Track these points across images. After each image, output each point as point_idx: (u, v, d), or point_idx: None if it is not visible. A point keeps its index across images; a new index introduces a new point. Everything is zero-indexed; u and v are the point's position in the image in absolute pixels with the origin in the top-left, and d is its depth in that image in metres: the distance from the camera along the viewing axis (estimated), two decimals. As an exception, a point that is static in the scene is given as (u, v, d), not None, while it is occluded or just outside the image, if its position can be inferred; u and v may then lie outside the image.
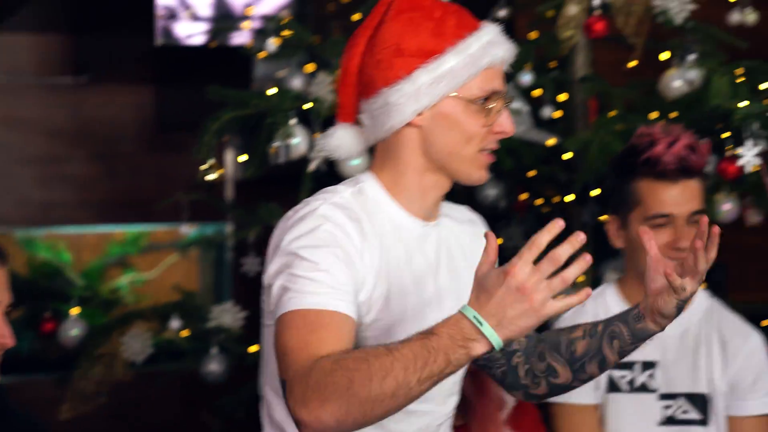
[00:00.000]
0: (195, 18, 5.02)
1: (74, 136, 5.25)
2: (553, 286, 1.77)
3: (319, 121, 3.91)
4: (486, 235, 1.89)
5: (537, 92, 4.33)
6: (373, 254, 2.12)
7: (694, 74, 3.98)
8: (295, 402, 1.88)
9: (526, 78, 4.15)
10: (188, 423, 4.93)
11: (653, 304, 2.13)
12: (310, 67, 4.20)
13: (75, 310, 4.28)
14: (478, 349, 1.80)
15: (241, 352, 4.27)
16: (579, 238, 1.76)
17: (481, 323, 1.79)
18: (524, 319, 1.80)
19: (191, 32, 5.10)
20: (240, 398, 4.40)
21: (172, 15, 4.98)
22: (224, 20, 4.99)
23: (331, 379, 1.85)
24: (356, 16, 4.31)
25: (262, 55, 4.32)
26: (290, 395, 1.89)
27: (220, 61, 4.87)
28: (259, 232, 4.28)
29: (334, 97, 3.86)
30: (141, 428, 5.08)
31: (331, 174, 3.82)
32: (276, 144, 3.86)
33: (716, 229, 2.05)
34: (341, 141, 2.27)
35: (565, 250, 1.75)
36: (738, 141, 3.60)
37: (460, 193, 2.77)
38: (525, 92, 4.23)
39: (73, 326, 4.20)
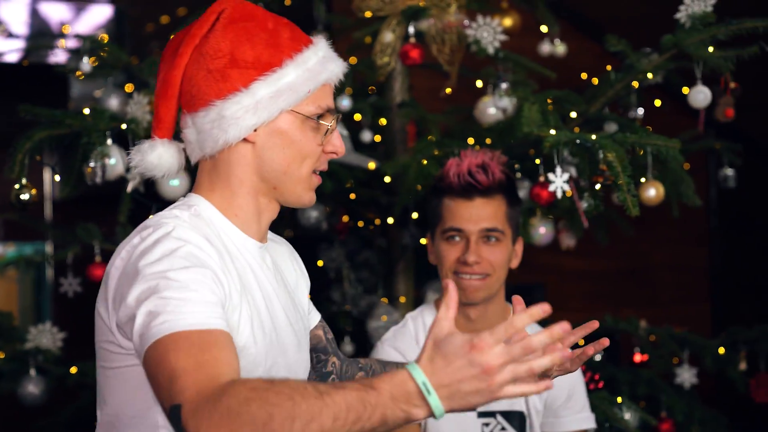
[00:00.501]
0: (9, 35, 4.88)
1: None
2: (517, 373, 1.70)
3: (136, 142, 3.76)
4: (445, 285, 1.80)
5: (357, 117, 4.42)
6: (233, 275, 2.06)
7: (507, 102, 4.10)
8: (198, 425, 1.74)
9: (345, 102, 4.23)
10: None
11: None
12: (128, 88, 4.20)
13: None
14: (419, 415, 1.71)
15: (60, 373, 4.24)
16: (563, 327, 1.70)
17: (429, 392, 1.69)
18: (476, 397, 1.70)
19: (5, 49, 4.96)
20: (60, 420, 4.40)
21: None
22: (40, 38, 4.88)
23: (247, 408, 1.72)
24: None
25: (78, 74, 4.25)
26: (192, 418, 1.75)
27: (36, 79, 4.74)
28: (78, 253, 4.30)
29: (151, 118, 3.81)
30: None
31: (149, 195, 3.92)
32: (92, 164, 3.80)
33: (601, 343, 2.23)
34: (160, 158, 2.18)
35: (541, 339, 1.69)
36: (549, 167, 3.67)
37: (282, 215, 2.79)
38: (345, 117, 4.22)
39: None
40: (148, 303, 1.88)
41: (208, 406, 1.75)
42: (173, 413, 1.79)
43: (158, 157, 2.17)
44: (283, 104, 2.09)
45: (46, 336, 4.32)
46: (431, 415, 1.70)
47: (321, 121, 2.14)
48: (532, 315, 1.71)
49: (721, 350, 4.39)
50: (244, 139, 2.11)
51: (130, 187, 3.87)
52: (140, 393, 2.01)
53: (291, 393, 1.73)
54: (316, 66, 2.14)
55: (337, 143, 2.19)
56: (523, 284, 5.08)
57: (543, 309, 1.70)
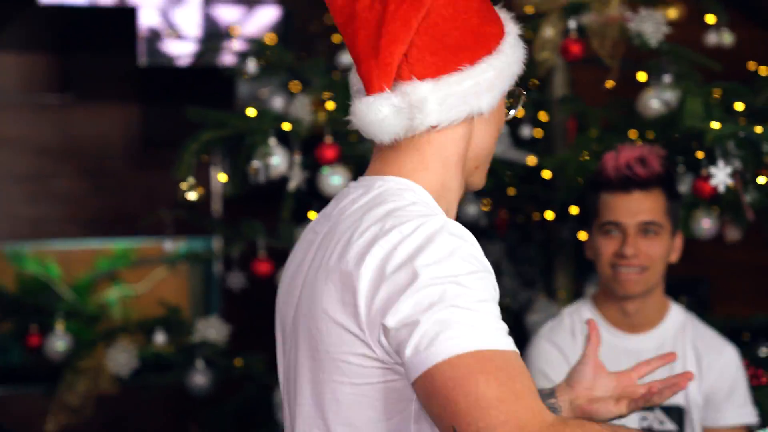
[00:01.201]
0: (180, 37, 4.99)
1: (61, 154, 5.36)
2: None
3: (298, 142, 3.98)
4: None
5: (518, 113, 4.26)
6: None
7: (670, 95, 4.02)
8: None
9: None
10: None
11: (585, 407, 2.20)
12: (292, 87, 4.26)
13: (60, 325, 4.39)
14: None
15: (226, 365, 4.38)
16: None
17: None
18: None
19: (177, 52, 5.08)
20: (226, 410, 4.53)
21: (155, 35, 4.96)
22: (211, 40, 4.99)
23: None
24: (339, 37, 4.14)
25: (244, 76, 4.38)
26: None
27: (205, 81, 4.95)
28: (243, 249, 4.44)
29: (313, 117, 4.04)
30: None
31: (311, 192, 4.08)
32: (255, 164, 3.92)
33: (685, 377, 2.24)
34: (384, 115, 1.89)
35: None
36: (712, 160, 3.66)
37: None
38: (503, 113, 4.05)
39: (59, 340, 4.28)
40: (435, 312, 1.69)
41: None
42: None
43: (380, 113, 1.90)
44: (507, 82, 1.99)
45: (213, 329, 4.39)
46: None
47: (511, 109, 2.09)
48: (652, 365, 1.99)
49: None
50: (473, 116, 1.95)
51: (292, 186, 3.96)
52: (393, 411, 1.87)
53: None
54: (518, 43, 2.02)
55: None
56: (687, 277, 5.02)
57: (668, 359, 1.98)
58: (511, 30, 2.01)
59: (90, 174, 5.31)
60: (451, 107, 1.90)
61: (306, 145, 3.97)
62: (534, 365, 3.36)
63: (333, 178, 3.93)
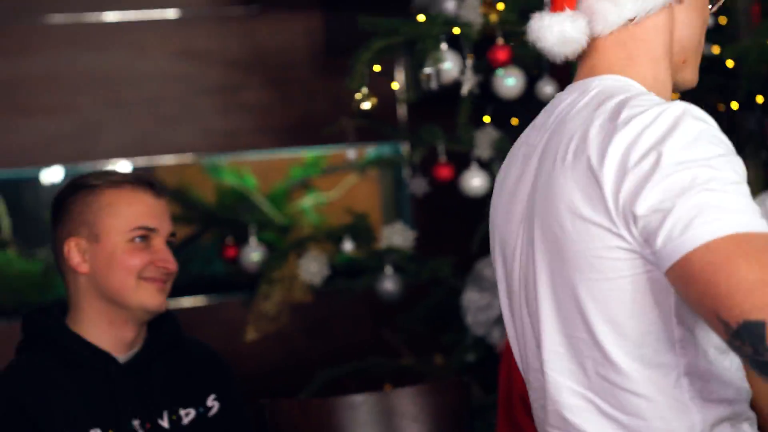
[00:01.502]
0: None
1: (248, 65, 5.43)
2: None
3: (470, 45, 3.95)
4: None
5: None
6: None
7: None
8: None
9: None
10: (371, 339, 5.07)
11: None
12: None
13: (254, 236, 4.56)
14: None
15: (414, 270, 4.39)
16: None
17: None
18: None
19: None
20: (415, 315, 4.58)
21: None
22: None
23: None
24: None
25: None
26: None
27: None
28: (425, 154, 4.45)
29: (484, 20, 3.98)
30: (328, 345, 5.17)
31: (485, 95, 4.09)
32: (427, 70, 3.93)
33: None
34: (572, 33, 1.95)
35: None
36: None
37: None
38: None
39: (253, 251, 4.45)
40: (688, 196, 1.67)
41: None
42: (749, 330, 1.62)
43: (564, 30, 1.95)
44: None
45: (398, 235, 4.41)
46: None
47: (714, 2, 2.08)
48: None
49: None
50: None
51: (465, 90, 3.94)
52: (651, 304, 1.86)
53: None
54: None
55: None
56: None
57: None
58: None
59: (277, 84, 5.42)
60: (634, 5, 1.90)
61: (478, 48, 3.95)
62: None
63: (507, 80, 3.94)
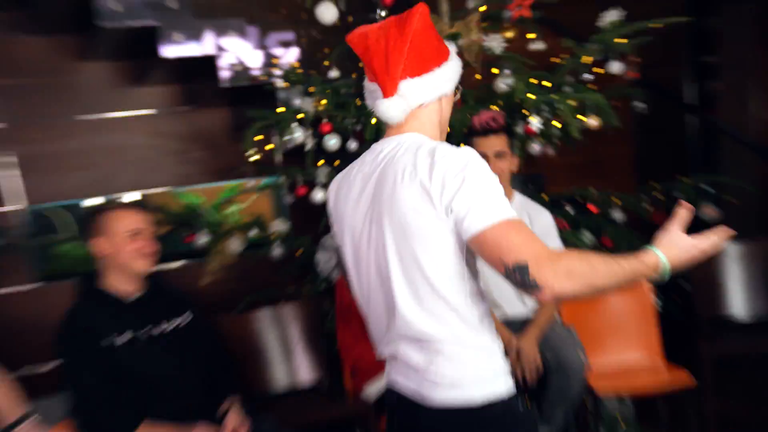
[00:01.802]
0: (244, 67, 4.67)
1: (192, 138, 5.20)
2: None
3: (309, 123, 4.16)
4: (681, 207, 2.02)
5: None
6: None
7: (509, 81, 4.04)
8: (546, 276, 1.78)
9: None
10: (270, 281, 4.71)
11: None
12: (310, 91, 4.23)
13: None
14: (655, 278, 1.94)
15: (290, 243, 4.45)
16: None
17: (666, 268, 1.91)
18: (687, 264, 1.97)
19: (248, 75, 4.71)
20: (294, 266, 4.56)
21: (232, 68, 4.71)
22: (264, 68, 4.65)
23: (581, 268, 1.81)
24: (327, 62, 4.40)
25: (283, 86, 4.45)
26: (538, 271, 1.78)
27: (257, 92, 4.73)
28: (290, 181, 4.42)
29: (315, 110, 4.15)
30: (247, 284, 4.73)
31: (318, 150, 4.24)
32: (285, 138, 4.21)
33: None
34: (395, 110, 2.03)
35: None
36: (529, 114, 3.94)
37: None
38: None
39: (203, 237, 4.39)
40: (482, 198, 1.89)
41: (552, 265, 1.80)
42: (519, 268, 1.80)
43: (390, 108, 2.03)
44: (457, 75, 2.14)
45: (281, 225, 4.54)
46: (661, 277, 1.96)
47: (456, 95, 2.20)
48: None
49: None
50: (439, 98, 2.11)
51: (307, 147, 4.19)
52: (456, 257, 1.99)
53: (604, 258, 1.85)
54: (455, 57, 2.15)
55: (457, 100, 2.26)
56: (532, 174, 4.76)
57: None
58: (451, 48, 2.15)
59: (208, 147, 5.23)
60: (429, 91, 2.05)
61: (314, 124, 4.21)
62: None
63: (331, 141, 4.21)
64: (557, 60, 4.37)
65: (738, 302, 4.34)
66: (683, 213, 2.00)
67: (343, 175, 2.25)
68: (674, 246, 1.94)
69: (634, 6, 4.21)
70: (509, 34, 4.34)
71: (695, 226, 1.94)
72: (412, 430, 2.11)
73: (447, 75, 2.10)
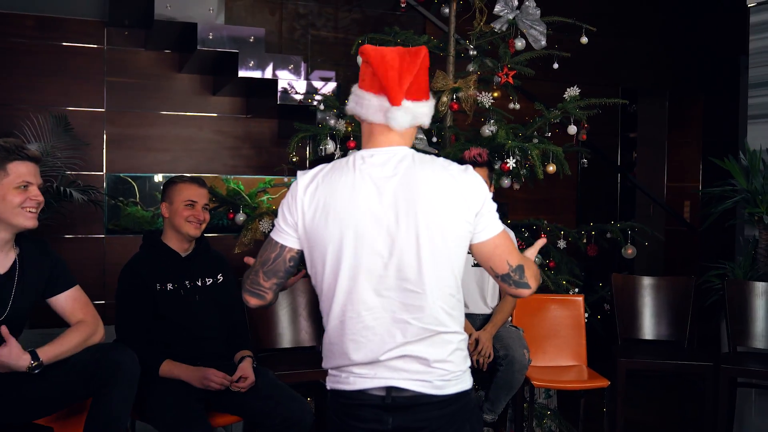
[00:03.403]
0: (298, 92, 4.45)
1: (244, 139, 5.08)
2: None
3: (339, 138, 3.98)
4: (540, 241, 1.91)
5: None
6: None
7: (493, 128, 3.92)
8: (530, 279, 1.73)
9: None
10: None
11: None
12: (336, 116, 4.04)
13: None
14: None
15: None
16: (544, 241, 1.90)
17: None
18: None
19: (297, 97, 4.48)
20: None
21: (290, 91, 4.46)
22: (308, 93, 4.43)
23: (537, 272, 1.78)
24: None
25: (319, 108, 4.26)
26: (528, 273, 1.72)
27: (302, 111, 4.52)
28: None
29: (345, 129, 3.98)
30: None
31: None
32: (320, 147, 3.98)
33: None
34: (406, 117, 1.71)
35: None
36: (507, 156, 3.74)
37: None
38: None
39: (241, 216, 4.08)
40: (491, 212, 1.75)
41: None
42: (519, 267, 1.75)
43: (406, 115, 1.68)
44: (430, 117, 1.81)
45: None
46: None
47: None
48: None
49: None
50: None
51: (336, 156, 3.91)
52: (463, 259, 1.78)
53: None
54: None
55: None
56: (498, 202, 4.56)
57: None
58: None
59: (256, 148, 5.10)
60: (417, 117, 1.73)
61: (342, 140, 4.03)
62: None
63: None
64: (528, 119, 4.24)
65: (648, 326, 4.09)
66: (541, 242, 1.88)
67: (324, 175, 1.73)
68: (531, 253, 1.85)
69: (587, 87, 4.09)
70: (496, 94, 4.15)
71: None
72: (412, 424, 1.68)
73: (427, 110, 1.76)
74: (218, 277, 3.06)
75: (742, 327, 3.89)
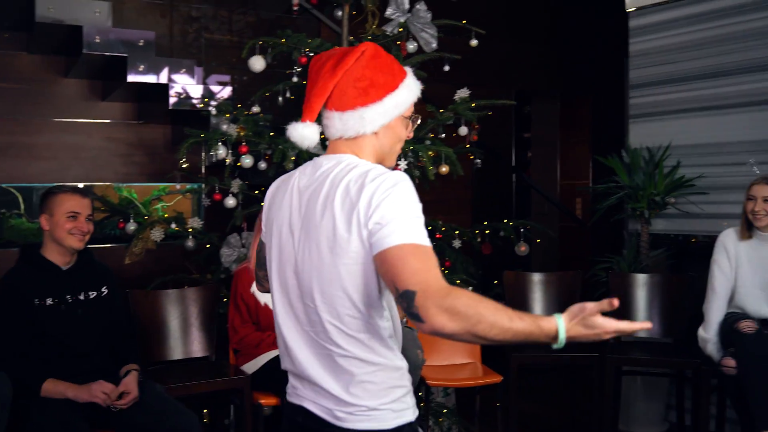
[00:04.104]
0: (190, 97, 4.37)
1: (135, 146, 4.89)
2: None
3: (231, 144, 3.88)
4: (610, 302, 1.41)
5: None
6: None
7: None
8: (428, 310, 1.33)
9: None
10: (181, 266, 4.38)
11: None
12: (227, 119, 3.95)
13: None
14: (549, 343, 1.40)
15: (202, 238, 4.07)
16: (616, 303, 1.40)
17: (561, 338, 1.38)
18: (584, 340, 1.45)
19: (183, 104, 4.40)
20: (201, 257, 4.21)
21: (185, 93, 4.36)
22: (201, 98, 4.34)
23: (465, 311, 1.33)
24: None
25: (212, 114, 4.21)
26: (423, 303, 1.34)
27: (194, 116, 4.46)
28: (209, 188, 4.06)
29: (237, 134, 3.86)
30: (162, 267, 4.55)
31: (235, 166, 3.91)
32: (211, 153, 3.90)
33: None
34: (306, 133, 1.64)
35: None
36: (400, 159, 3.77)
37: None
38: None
39: (132, 225, 3.95)
40: (396, 220, 1.46)
41: (436, 300, 1.35)
42: (406, 294, 1.37)
43: (304, 132, 1.64)
44: (398, 111, 1.68)
45: (197, 222, 4.11)
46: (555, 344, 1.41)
47: (411, 120, 1.73)
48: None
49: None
50: (374, 133, 1.65)
51: (227, 162, 3.88)
52: (372, 279, 1.53)
53: (497, 310, 1.35)
54: (412, 87, 1.70)
55: (411, 131, 1.76)
56: None
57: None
58: (406, 81, 1.69)
59: (147, 155, 4.94)
60: (351, 127, 1.63)
61: (234, 146, 3.94)
62: None
63: (246, 160, 3.91)
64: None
65: None
66: (608, 304, 1.42)
67: (281, 182, 1.77)
68: (582, 323, 1.41)
69: (483, 89, 4.31)
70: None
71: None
72: None
73: (374, 116, 1.64)
74: (102, 290, 2.98)
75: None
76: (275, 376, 3.13)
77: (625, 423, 4.31)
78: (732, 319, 3.39)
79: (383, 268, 1.45)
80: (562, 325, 1.40)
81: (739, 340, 3.23)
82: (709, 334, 3.49)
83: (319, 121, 1.67)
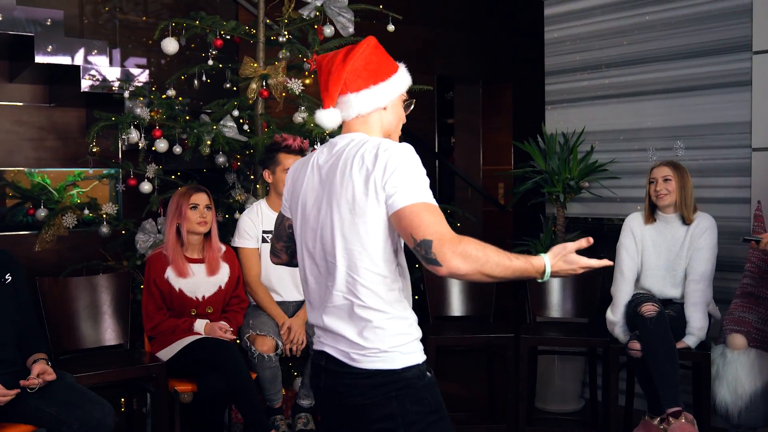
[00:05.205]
0: (102, 79, 4.19)
1: (46, 131, 4.75)
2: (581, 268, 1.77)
3: (143, 128, 3.87)
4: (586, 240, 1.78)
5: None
6: None
7: (305, 115, 3.98)
8: (445, 255, 1.61)
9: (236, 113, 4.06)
10: (95, 253, 4.37)
11: None
12: (142, 102, 3.97)
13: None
14: (537, 278, 1.73)
15: (116, 224, 4.05)
16: (590, 241, 1.77)
17: (548, 271, 1.71)
18: (564, 275, 1.78)
19: (104, 84, 4.28)
20: (117, 244, 4.14)
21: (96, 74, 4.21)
22: (117, 81, 4.18)
23: (475, 254, 1.62)
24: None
25: (126, 97, 4.07)
26: (440, 249, 1.61)
27: (108, 99, 4.38)
28: (125, 173, 4.15)
29: (150, 118, 3.86)
30: (75, 254, 4.51)
31: (149, 149, 3.92)
32: (123, 137, 3.90)
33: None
34: (334, 117, 1.89)
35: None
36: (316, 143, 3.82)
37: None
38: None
39: (42, 212, 3.96)
40: (409, 183, 1.71)
41: (451, 246, 1.63)
42: (424, 243, 1.64)
43: (332, 116, 1.90)
44: (402, 89, 1.95)
45: (111, 208, 4.07)
46: (541, 279, 1.74)
47: (406, 101, 2.01)
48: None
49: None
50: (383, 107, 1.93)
51: (141, 146, 3.87)
52: (390, 236, 1.79)
53: (499, 251, 1.66)
54: (406, 72, 1.96)
55: (406, 112, 2.02)
56: None
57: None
58: (401, 69, 1.96)
59: (62, 139, 4.80)
60: (366, 104, 1.88)
61: (147, 129, 3.92)
62: None
63: (160, 144, 3.89)
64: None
65: (456, 304, 4.23)
66: (585, 241, 1.77)
67: (301, 163, 2.00)
68: (562, 259, 1.75)
69: None
70: (308, 81, 4.12)
71: None
72: (338, 387, 1.84)
73: (382, 93, 1.90)
74: (6, 277, 2.89)
75: (541, 299, 4.17)
76: (191, 363, 3.21)
77: (542, 401, 4.42)
78: (637, 302, 3.49)
79: (402, 224, 1.69)
80: (548, 262, 1.72)
81: (642, 324, 3.34)
82: (616, 316, 3.61)
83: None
